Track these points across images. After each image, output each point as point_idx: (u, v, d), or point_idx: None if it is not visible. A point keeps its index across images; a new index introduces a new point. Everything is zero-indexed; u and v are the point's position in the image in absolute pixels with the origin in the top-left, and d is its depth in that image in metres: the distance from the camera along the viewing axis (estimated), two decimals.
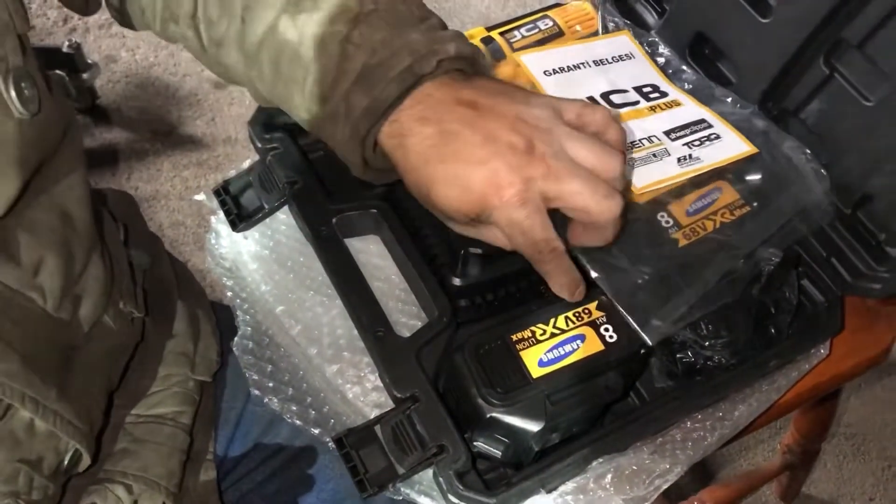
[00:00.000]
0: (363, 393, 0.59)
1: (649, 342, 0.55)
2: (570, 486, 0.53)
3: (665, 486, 0.55)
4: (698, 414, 0.58)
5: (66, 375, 0.54)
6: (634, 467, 0.54)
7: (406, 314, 0.63)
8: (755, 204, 0.62)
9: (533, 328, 0.55)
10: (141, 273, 0.70)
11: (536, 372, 0.53)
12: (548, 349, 0.54)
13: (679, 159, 0.63)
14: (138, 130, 1.43)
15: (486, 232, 0.56)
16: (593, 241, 0.55)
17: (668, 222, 0.60)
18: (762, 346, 0.61)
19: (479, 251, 0.59)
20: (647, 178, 0.61)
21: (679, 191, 0.61)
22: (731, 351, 0.59)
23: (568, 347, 0.54)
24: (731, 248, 0.59)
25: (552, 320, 0.56)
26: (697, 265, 0.58)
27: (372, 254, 0.66)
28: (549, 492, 0.53)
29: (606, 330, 0.55)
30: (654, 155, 0.63)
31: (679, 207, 0.61)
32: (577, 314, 0.56)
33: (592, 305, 0.56)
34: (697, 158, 0.63)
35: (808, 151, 0.63)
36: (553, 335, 0.55)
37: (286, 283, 0.64)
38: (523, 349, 0.54)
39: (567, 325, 0.55)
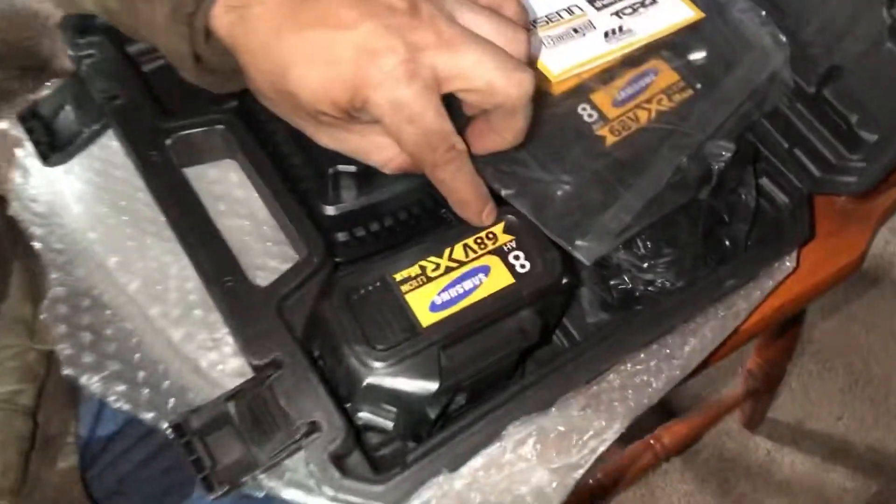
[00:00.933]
0: (221, 360, 0.47)
1: (586, 262, 0.43)
2: (480, 459, 0.42)
3: (602, 449, 0.44)
4: (640, 353, 0.47)
5: None
6: (561, 428, 0.43)
7: (279, 257, 0.50)
8: (699, 86, 0.49)
9: (422, 263, 0.43)
10: None
11: (427, 319, 0.41)
12: (441, 289, 0.42)
13: (606, 33, 0.50)
14: (4, 66, 1.27)
15: (363, 140, 0.42)
16: (500, 140, 0.42)
17: (590, 116, 0.47)
18: (715, 263, 0.49)
19: (351, 168, 0.45)
20: (567, 60, 0.48)
21: (602, 76, 0.49)
22: (677, 271, 0.47)
23: (468, 284, 0.42)
24: (671, 142, 0.47)
25: (447, 251, 0.43)
26: (631, 167, 0.46)
27: (232, 184, 0.53)
28: (453, 470, 0.41)
29: (517, 258, 0.43)
30: (575, 30, 0.50)
31: (604, 97, 0.48)
32: (479, 241, 0.43)
33: (498, 229, 0.44)
34: (629, 31, 0.50)
35: (764, 13, 0.50)
36: (448, 270, 0.42)
37: (121, 228, 0.51)
38: (410, 291, 0.42)
39: (466, 256, 0.43)
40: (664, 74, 0.49)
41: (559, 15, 0.50)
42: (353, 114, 0.39)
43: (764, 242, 0.51)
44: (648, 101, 0.48)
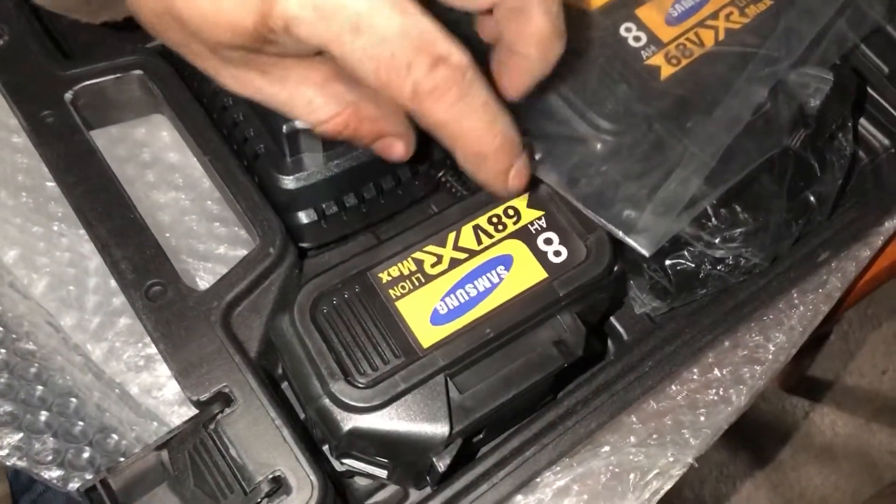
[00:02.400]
0: (156, 384, 0.36)
1: (645, 252, 0.31)
2: None
3: (668, 487, 0.33)
4: (710, 356, 0.36)
5: None
6: (615, 469, 0.32)
7: (227, 242, 0.39)
8: None
9: (417, 255, 0.31)
10: None
11: (428, 336, 0.29)
12: (447, 291, 0.30)
13: None
14: None
15: (282, 88, 0.28)
16: (525, 62, 0.28)
17: (637, 39, 0.35)
18: (799, 230, 0.37)
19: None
20: None
21: None
22: (758, 244, 0.36)
23: (483, 283, 0.30)
24: (749, 72, 0.35)
25: (451, 237, 0.31)
26: (696, 109, 0.34)
27: (164, 146, 0.41)
28: None
29: (549, 242, 0.31)
30: None
31: (654, 12, 0.35)
32: (494, 220, 0.31)
33: (521, 202, 0.32)
34: None
35: None
36: (455, 264, 0.31)
37: (20, 212, 0.39)
38: (402, 296, 0.30)
39: (479, 243, 0.31)
40: None
41: None
42: (267, 45, 0.26)
43: (860, 201, 0.39)
44: (713, 16, 0.36)
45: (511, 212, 0.31)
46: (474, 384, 0.29)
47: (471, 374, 0.29)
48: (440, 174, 0.38)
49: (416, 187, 0.37)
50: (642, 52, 0.35)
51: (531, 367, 0.30)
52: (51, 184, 0.39)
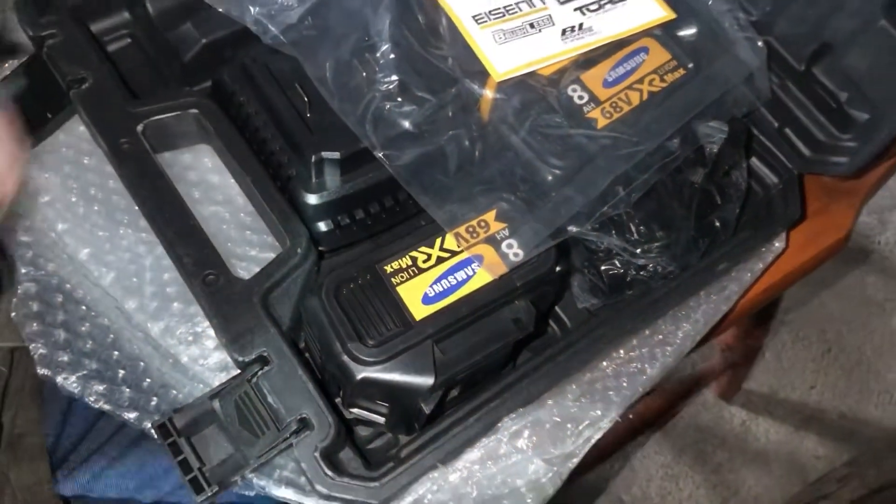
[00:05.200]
0: (202, 354, 0.45)
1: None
2: (477, 452, 0.41)
3: (597, 437, 0.43)
4: (633, 339, 0.46)
5: None
6: (557, 419, 0.42)
7: (258, 246, 0.49)
8: (691, 65, 0.48)
9: (413, 253, 0.41)
10: None
11: (420, 312, 0.40)
12: (434, 280, 0.40)
13: (564, 31, 0.47)
14: None
15: None
16: None
17: (581, 98, 0.46)
18: (705, 246, 0.48)
19: (336, 155, 0.44)
20: (515, 59, 0.45)
21: (592, 56, 0.47)
22: (670, 255, 0.47)
23: (461, 275, 0.41)
24: (662, 124, 0.46)
25: (438, 240, 0.42)
26: (619, 150, 0.45)
27: (207, 170, 0.50)
28: (447, 464, 0.40)
29: (510, 246, 0.42)
30: (532, 25, 0.47)
31: (594, 78, 0.47)
32: (470, 229, 0.42)
33: (490, 216, 0.42)
34: (589, 30, 0.47)
35: (742, 16, 0.49)
36: (440, 260, 0.41)
37: (92, 218, 0.48)
38: (401, 283, 0.40)
39: (459, 245, 0.41)
40: (655, 54, 0.48)
41: (518, 7, 0.47)
42: None
43: (754, 224, 0.50)
44: (640, 81, 0.47)
45: (483, 224, 0.42)
46: (453, 349, 0.40)
47: (451, 342, 0.40)
48: None
49: (409, 206, 0.48)
50: (584, 107, 0.46)
51: (495, 337, 0.40)
52: (116, 197, 0.49)
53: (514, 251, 0.41)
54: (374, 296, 0.40)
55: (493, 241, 0.42)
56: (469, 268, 0.41)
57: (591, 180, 0.42)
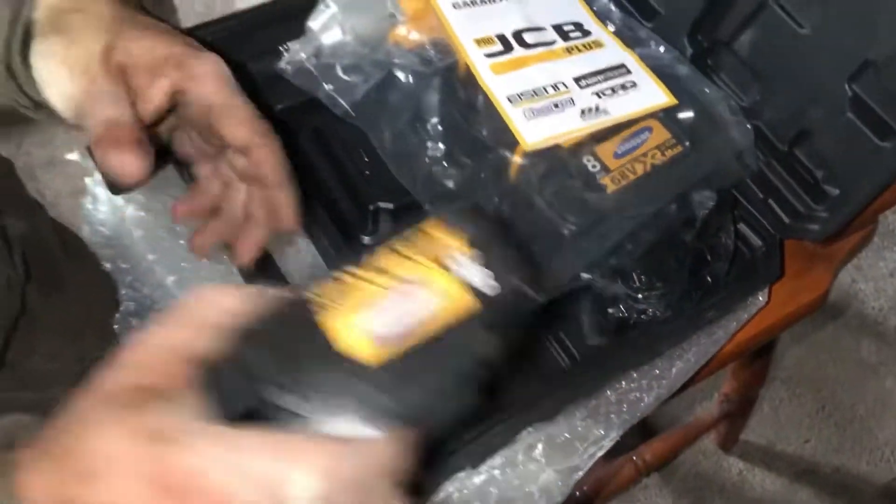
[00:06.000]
0: None
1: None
2: (497, 459, 0.49)
3: (600, 454, 0.51)
4: (633, 373, 0.54)
5: None
6: (567, 435, 0.50)
7: (305, 278, 0.57)
8: (688, 143, 0.57)
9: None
10: (18, 240, 0.62)
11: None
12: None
13: (583, 111, 0.56)
14: None
15: None
16: None
17: (595, 167, 0.55)
18: (698, 297, 0.57)
19: (389, 205, 0.53)
20: (542, 133, 0.54)
21: (605, 132, 0.56)
22: (666, 303, 0.55)
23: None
24: (662, 191, 0.55)
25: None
26: (626, 211, 0.53)
27: None
28: (475, 467, 0.48)
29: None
30: (556, 105, 0.56)
31: (606, 150, 0.56)
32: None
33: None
34: (604, 111, 0.56)
35: (733, 103, 0.58)
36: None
37: (176, 250, 0.57)
38: None
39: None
40: (657, 132, 0.57)
41: (545, 90, 0.56)
42: None
43: (740, 280, 0.58)
44: (644, 154, 0.56)
45: None
46: None
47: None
48: None
49: None
50: (597, 174, 0.54)
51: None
52: None
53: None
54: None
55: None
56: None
57: (603, 235, 0.51)
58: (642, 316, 0.55)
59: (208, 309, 0.29)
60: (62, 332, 0.64)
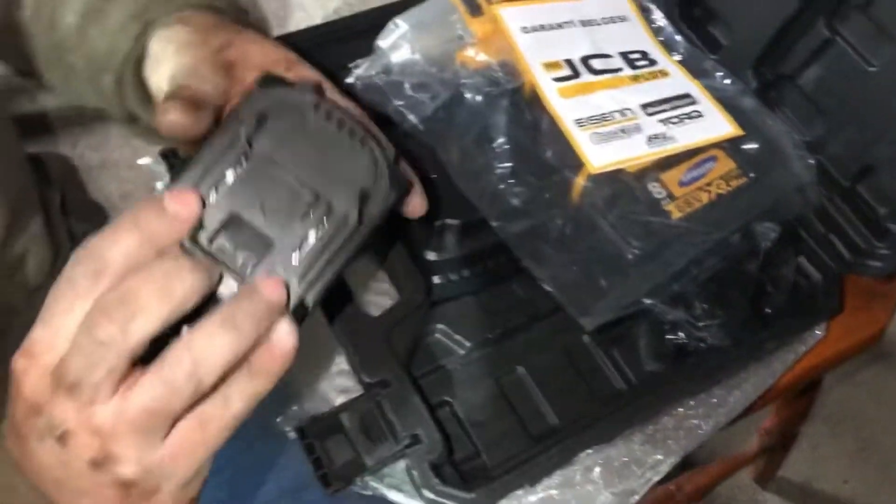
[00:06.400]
0: (328, 377, 0.54)
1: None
2: (555, 479, 0.49)
3: (657, 479, 0.51)
4: (691, 400, 0.54)
5: (3, 342, 0.49)
6: (625, 459, 0.50)
7: (374, 291, 0.58)
8: (752, 175, 0.57)
9: None
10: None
11: None
12: None
13: (650, 138, 0.57)
14: None
15: None
16: None
17: (659, 193, 0.55)
18: (757, 328, 0.57)
19: (456, 222, 0.53)
20: (608, 157, 0.55)
21: (670, 160, 0.57)
22: (726, 332, 0.55)
23: None
24: (726, 220, 0.55)
25: None
26: (690, 239, 0.54)
27: None
28: (532, 485, 0.48)
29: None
30: (623, 131, 0.57)
31: (671, 178, 0.56)
32: None
33: None
34: (671, 138, 0.57)
35: (796, 137, 0.58)
36: None
37: None
38: None
39: None
40: (722, 162, 0.57)
41: (612, 116, 0.57)
42: None
43: (800, 313, 0.58)
44: (709, 184, 0.56)
45: None
46: None
47: None
48: (521, 262, 0.58)
49: (508, 268, 0.57)
50: (662, 201, 0.55)
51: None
52: None
53: None
54: None
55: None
56: None
57: (667, 261, 0.51)
58: (701, 343, 0.55)
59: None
60: None
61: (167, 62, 0.43)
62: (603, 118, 0.57)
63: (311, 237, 0.38)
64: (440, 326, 0.55)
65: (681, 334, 0.55)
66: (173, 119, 0.40)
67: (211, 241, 0.36)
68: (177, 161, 0.60)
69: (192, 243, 0.36)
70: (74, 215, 0.65)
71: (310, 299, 0.39)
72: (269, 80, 0.39)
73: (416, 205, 0.43)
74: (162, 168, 0.60)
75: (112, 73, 0.44)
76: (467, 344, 0.55)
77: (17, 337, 0.52)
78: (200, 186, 0.37)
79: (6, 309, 0.49)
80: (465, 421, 0.52)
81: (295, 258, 0.37)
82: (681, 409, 0.53)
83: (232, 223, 0.37)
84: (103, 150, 1.30)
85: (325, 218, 0.38)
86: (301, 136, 0.37)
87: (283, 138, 0.37)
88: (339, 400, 0.53)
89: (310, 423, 0.48)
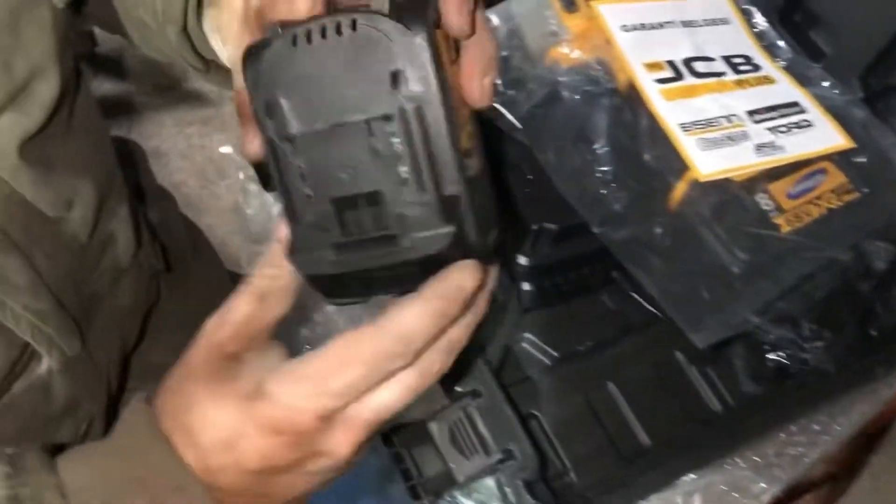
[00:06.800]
0: None
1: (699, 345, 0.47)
2: (655, 501, 0.46)
3: None
4: (793, 426, 0.51)
5: (87, 329, 0.47)
6: (724, 487, 0.47)
7: None
8: (865, 190, 0.54)
9: None
10: (156, 229, 0.63)
11: None
12: None
13: (758, 146, 0.54)
14: (140, 82, 1.34)
15: None
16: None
17: (768, 205, 0.52)
18: (864, 351, 0.53)
19: (554, 226, 0.51)
20: (717, 164, 0.52)
21: (777, 170, 0.54)
22: (832, 355, 0.51)
23: None
24: (839, 236, 0.52)
25: None
26: (800, 254, 0.51)
27: None
28: None
29: None
30: (730, 138, 0.54)
31: (779, 189, 0.53)
32: None
33: None
34: (781, 147, 0.54)
35: None
36: None
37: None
38: None
39: None
40: (833, 176, 0.54)
41: (718, 121, 0.54)
42: None
43: None
44: (819, 197, 0.53)
45: None
46: None
47: None
48: (613, 272, 0.55)
49: (599, 278, 0.54)
50: (770, 213, 0.52)
51: None
52: None
53: None
54: None
55: None
56: None
57: (778, 277, 0.48)
58: (804, 366, 0.52)
59: (272, 278, 0.33)
60: (185, 326, 0.63)
61: (220, 52, 0.40)
62: (708, 123, 0.54)
63: (402, 158, 0.30)
64: (528, 335, 0.52)
65: (782, 354, 0.52)
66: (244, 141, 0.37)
67: (345, 233, 0.30)
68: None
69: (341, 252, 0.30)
70: (149, 202, 0.63)
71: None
72: (248, 56, 0.31)
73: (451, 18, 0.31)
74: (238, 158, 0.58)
75: (174, 23, 0.41)
76: (555, 355, 0.52)
77: (101, 325, 0.51)
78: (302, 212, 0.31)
79: (91, 296, 0.47)
80: (552, 436, 0.50)
81: (409, 194, 0.30)
82: (782, 435, 0.50)
83: (343, 206, 0.30)
84: (156, 139, 1.30)
85: (386, 130, 0.30)
86: (308, 80, 0.30)
87: (301, 99, 0.30)
88: (422, 406, 0.51)
89: (397, 429, 0.45)
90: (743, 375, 0.53)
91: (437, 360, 0.32)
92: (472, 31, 0.31)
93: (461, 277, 0.30)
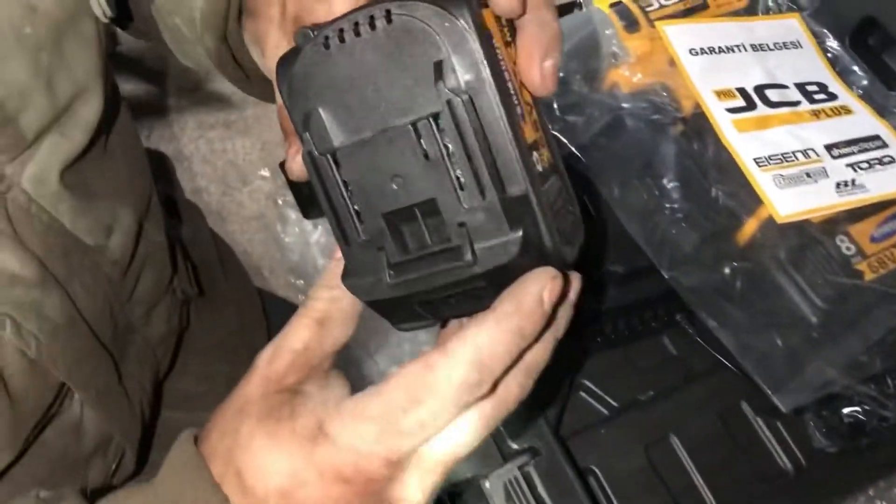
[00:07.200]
0: None
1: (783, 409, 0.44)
2: None
3: None
4: (870, 489, 0.47)
5: (121, 361, 0.44)
6: None
7: None
8: None
9: None
10: (187, 248, 0.59)
11: None
12: None
13: (838, 184, 0.50)
14: (161, 84, 1.30)
15: None
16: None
17: (849, 249, 0.48)
18: None
19: (620, 269, 0.47)
20: (796, 205, 0.48)
21: (858, 211, 0.50)
22: None
23: None
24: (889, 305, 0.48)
25: None
26: (886, 306, 0.47)
27: None
28: None
29: None
30: (808, 175, 0.50)
31: (862, 231, 0.49)
32: None
33: None
34: (861, 186, 0.50)
35: None
36: None
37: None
38: None
39: None
40: None
41: (794, 156, 0.51)
42: None
43: None
44: None
45: None
46: None
47: None
48: (677, 315, 0.51)
49: (661, 322, 0.51)
50: (852, 258, 0.48)
51: None
52: None
53: None
54: None
55: None
56: None
57: (864, 330, 0.44)
58: (883, 422, 0.48)
59: (331, 301, 0.30)
60: (215, 349, 0.61)
61: (260, 65, 0.37)
62: (784, 158, 0.50)
63: (456, 159, 0.26)
64: (585, 382, 0.49)
65: (859, 410, 0.48)
66: (289, 163, 0.33)
67: (402, 250, 0.27)
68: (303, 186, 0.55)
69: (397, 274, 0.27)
70: (172, 214, 0.60)
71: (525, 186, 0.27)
72: (281, 66, 0.28)
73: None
74: (280, 180, 0.55)
75: (212, 30, 0.38)
76: (614, 404, 0.49)
77: (135, 356, 0.48)
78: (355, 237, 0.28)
79: (126, 327, 0.44)
80: (612, 496, 0.46)
81: (469, 199, 0.26)
82: (861, 498, 0.46)
83: (397, 220, 0.27)
84: (176, 143, 1.26)
85: (433, 129, 0.26)
86: (345, 85, 0.27)
87: (339, 108, 0.27)
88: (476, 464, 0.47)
89: (452, 490, 0.42)
90: (815, 430, 0.49)
91: (516, 386, 0.28)
92: (523, 10, 0.27)
93: (537, 289, 0.26)
